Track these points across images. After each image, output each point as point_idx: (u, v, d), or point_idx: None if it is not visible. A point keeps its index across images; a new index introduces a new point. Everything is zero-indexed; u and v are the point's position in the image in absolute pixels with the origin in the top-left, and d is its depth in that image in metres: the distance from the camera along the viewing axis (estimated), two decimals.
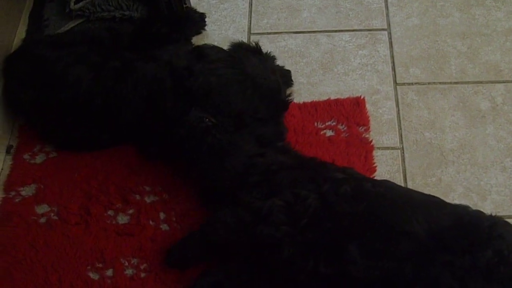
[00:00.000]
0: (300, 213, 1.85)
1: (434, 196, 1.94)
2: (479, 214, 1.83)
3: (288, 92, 2.44)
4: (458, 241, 1.73)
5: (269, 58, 2.40)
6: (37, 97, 2.33)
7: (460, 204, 1.88)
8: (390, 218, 1.80)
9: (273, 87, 2.26)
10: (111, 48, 2.41)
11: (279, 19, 2.79)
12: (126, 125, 2.29)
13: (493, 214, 1.83)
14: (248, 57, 2.28)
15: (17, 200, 2.33)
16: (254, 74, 2.22)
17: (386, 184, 1.97)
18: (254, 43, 2.35)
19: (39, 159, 2.43)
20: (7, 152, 2.45)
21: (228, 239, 1.98)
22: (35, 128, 2.48)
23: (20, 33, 2.70)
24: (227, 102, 2.15)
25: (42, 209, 2.31)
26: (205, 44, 2.42)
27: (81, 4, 2.72)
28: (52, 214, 2.29)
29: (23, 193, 2.35)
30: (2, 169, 2.41)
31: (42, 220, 2.28)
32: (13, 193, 2.35)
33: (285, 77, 2.52)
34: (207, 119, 2.08)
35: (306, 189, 1.90)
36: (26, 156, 2.44)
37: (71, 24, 2.73)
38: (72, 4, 2.72)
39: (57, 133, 2.41)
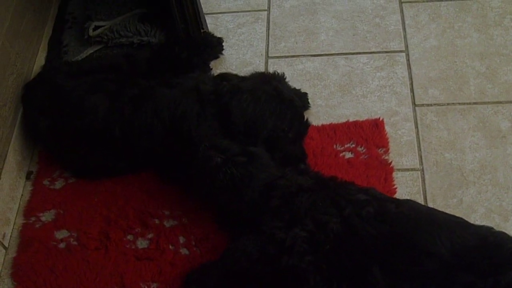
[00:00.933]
0: (323, 241, 1.84)
1: (457, 217, 1.92)
2: (503, 235, 1.82)
3: (305, 115, 2.45)
4: (482, 261, 1.71)
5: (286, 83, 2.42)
6: (54, 125, 2.35)
7: (483, 225, 1.87)
8: (413, 239, 1.79)
9: (300, 108, 2.30)
10: (128, 75, 2.42)
11: (296, 43, 2.79)
12: (144, 152, 2.30)
13: None
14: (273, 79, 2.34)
15: (37, 225, 2.34)
16: (287, 92, 2.28)
17: (409, 204, 1.95)
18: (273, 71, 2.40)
19: (58, 184, 2.44)
20: (27, 178, 2.47)
21: (250, 269, 1.96)
22: (53, 155, 2.49)
23: (40, 59, 2.73)
24: (262, 115, 2.20)
25: (61, 234, 2.31)
26: (228, 72, 2.43)
27: (99, 30, 2.74)
28: (72, 239, 2.29)
29: (43, 218, 2.35)
30: (22, 195, 2.42)
31: (62, 245, 2.28)
32: (33, 218, 2.35)
33: (302, 100, 2.52)
34: (217, 157, 2.08)
35: (327, 213, 1.90)
36: (45, 182, 2.45)
37: (90, 51, 2.75)
38: (90, 30, 2.74)
39: (74, 160, 2.42)
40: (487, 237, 1.78)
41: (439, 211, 1.97)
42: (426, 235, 1.78)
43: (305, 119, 2.36)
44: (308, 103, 2.55)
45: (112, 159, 2.36)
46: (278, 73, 2.42)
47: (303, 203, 1.96)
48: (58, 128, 2.35)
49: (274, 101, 2.23)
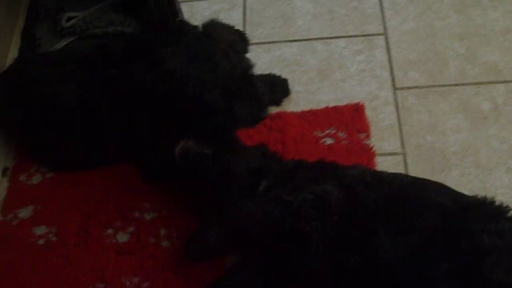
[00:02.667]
0: (331, 208, 1.82)
1: None
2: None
3: (285, 100, 2.45)
4: (484, 210, 1.75)
5: None
6: (27, 118, 2.30)
7: None
8: (412, 194, 1.81)
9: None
10: (101, 66, 2.37)
11: (273, 28, 2.76)
12: (116, 142, 2.26)
13: None
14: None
15: (14, 222, 2.29)
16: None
17: (401, 174, 1.99)
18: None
19: (35, 179, 2.39)
20: (3, 174, 2.41)
21: (251, 230, 1.92)
22: (28, 150, 2.45)
23: (13, 53, 2.67)
24: None
25: (40, 230, 2.26)
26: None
27: (72, 21, 2.69)
28: (51, 235, 2.25)
29: (20, 215, 2.30)
30: None
31: (41, 241, 2.24)
32: (10, 215, 2.31)
33: (282, 86, 2.49)
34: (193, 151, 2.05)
35: (330, 184, 1.88)
36: (22, 178, 2.40)
37: (63, 42, 2.69)
38: (63, 22, 2.69)
39: (50, 154, 2.38)
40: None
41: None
42: (425, 191, 1.81)
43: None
44: (289, 89, 2.51)
45: (89, 150, 2.31)
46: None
47: (304, 176, 1.94)
48: (32, 121, 2.29)
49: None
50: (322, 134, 2.40)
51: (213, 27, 2.29)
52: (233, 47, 2.30)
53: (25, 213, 2.31)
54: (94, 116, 2.22)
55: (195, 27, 2.62)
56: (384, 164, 2.30)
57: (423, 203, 1.78)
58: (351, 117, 2.42)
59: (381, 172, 1.98)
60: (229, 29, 2.40)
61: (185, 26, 2.60)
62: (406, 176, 2.03)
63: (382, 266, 1.74)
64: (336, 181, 1.89)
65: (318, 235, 1.80)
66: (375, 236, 1.75)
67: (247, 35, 2.48)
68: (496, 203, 1.79)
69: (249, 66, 2.21)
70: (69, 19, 2.70)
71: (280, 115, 2.45)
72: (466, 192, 2.14)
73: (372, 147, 2.34)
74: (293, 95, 2.52)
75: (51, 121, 2.26)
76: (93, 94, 2.23)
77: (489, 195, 2.10)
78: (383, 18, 2.74)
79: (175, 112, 2.11)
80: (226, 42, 2.29)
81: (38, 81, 2.31)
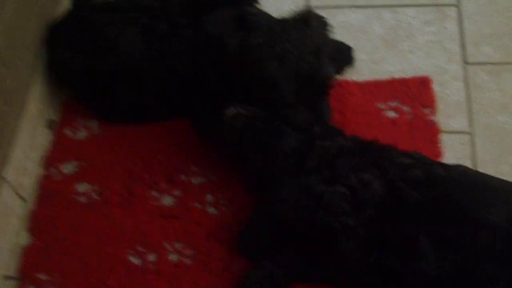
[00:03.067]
0: (366, 202, 1.69)
1: None
2: None
3: (346, 69, 2.33)
4: None
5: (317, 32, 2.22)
6: (87, 64, 2.20)
7: None
8: (466, 205, 1.62)
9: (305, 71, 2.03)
10: (162, 16, 2.26)
11: None
12: (177, 95, 2.17)
13: None
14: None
15: (57, 177, 2.21)
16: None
17: (459, 169, 1.79)
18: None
19: (81, 135, 2.30)
20: (49, 127, 2.33)
21: (285, 218, 1.82)
22: (82, 100, 2.36)
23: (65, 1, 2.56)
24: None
25: (83, 187, 2.19)
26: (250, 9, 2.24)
27: None
28: (94, 194, 2.17)
29: (64, 170, 2.23)
30: (42, 144, 2.28)
31: (83, 199, 2.16)
32: (53, 170, 2.23)
33: (347, 54, 2.36)
34: (244, 113, 1.95)
35: (371, 174, 1.74)
36: (67, 132, 2.31)
37: None
38: None
39: (107, 103, 2.29)
40: None
41: (493, 177, 1.80)
42: (480, 203, 1.62)
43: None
44: (353, 58, 2.38)
45: (147, 100, 2.22)
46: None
47: (344, 164, 1.79)
48: (91, 67, 2.20)
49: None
50: (385, 107, 2.27)
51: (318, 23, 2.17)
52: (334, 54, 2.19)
53: (69, 168, 2.23)
54: (159, 63, 2.14)
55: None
56: (449, 143, 2.17)
57: (479, 219, 1.60)
58: (417, 91, 2.29)
59: (437, 167, 1.79)
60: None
61: None
62: (466, 170, 1.85)
63: (421, 279, 1.61)
64: (379, 172, 1.76)
65: (349, 232, 1.69)
66: (416, 244, 1.62)
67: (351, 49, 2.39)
68: None
69: (329, 77, 2.08)
70: None
71: (340, 84, 2.31)
72: None
73: (437, 124, 2.21)
74: (355, 64, 2.39)
75: (112, 67, 2.17)
76: (160, 40, 2.15)
77: None
78: None
79: (244, 80, 2.02)
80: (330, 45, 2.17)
81: (99, 25, 2.21)
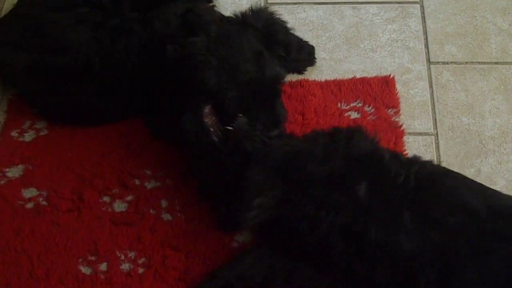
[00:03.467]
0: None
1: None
2: None
3: (308, 69, 2.25)
4: None
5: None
6: (33, 63, 2.09)
7: None
8: (444, 185, 1.65)
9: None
10: (113, 10, 2.16)
11: None
12: (129, 94, 2.07)
13: None
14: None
15: (2, 182, 2.09)
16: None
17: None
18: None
19: (28, 136, 2.18)
20: None
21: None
22: (28, 100, 2.24)
23: None
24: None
25: (29, 193, 2.07)
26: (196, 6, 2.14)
27: None
28: (41, 199, 2.06)
29: (9, 174, 2.11)
30: None
31: (30, 205, 2.05)
32: None
33: (309, 53, 2.29)
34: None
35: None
36: (13, 133, 2.19)
37: None
38: None
39: (54, 103, 2.17)
40: None
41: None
42: (457, 187, 1.66)
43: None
44: (315, 58, 2.31)
45: (97, 100, 2.10)
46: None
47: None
48: (37, 66, 2.09)
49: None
50: (347, 107, 2.20)
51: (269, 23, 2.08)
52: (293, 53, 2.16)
53: (14, 172, 2.11)
54: (109, 61, 2.03)
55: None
56: (414, 145, 2.12)
57: (455, 199, 1.62)
58: (380, 91, 2.22)
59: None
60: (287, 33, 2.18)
61: None
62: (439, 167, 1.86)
63: (400, 255, 1.59)
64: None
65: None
66: (400, 218, 1.60)
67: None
68: None
69: (277, 79, 1.99)
70: None
71: (301, 83, 2.25)
72: (503, 182, 2.00)
73: (401, 125, 2.15)
74: (316, 63, 2.31)
75: (60, 65, 2.05)
76: (110, 36, 2.04)
77: None
78: None
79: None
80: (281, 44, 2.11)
81: (45, 23, 2.10)
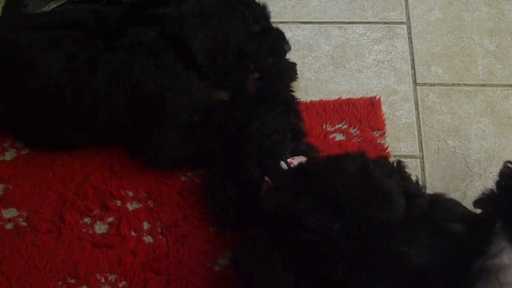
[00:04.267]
0: None
1: None
2: None
3: (293, 87, 2.21)
4: None
5: None
6: (5, 86, 2.07)
7: None
8: None
9: None
10: (94, 34, 2.13)
11: (285, 7, 2.52)
12: (104, 124, 2.01)
13: None
14: None
15: None
16: None
17: None
18: None
19: (8, 155, 2.15)
20: None
21: None
22: (2, 120, 2.19)
23: None
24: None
25: (9, 213, 2.04)
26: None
27: None
28: (21, 220, 2.02)
29: None
30: None
31: (9, 226, 2.01)
32: None
33: (290, 70, 2.26)
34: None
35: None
36: None
37: (53, 5, 2.45)
38: None
39: (26, 128, 2.14)
40: None
41: None
42: None
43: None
44: (296, 74, 2.28)
45: (68, 129, 2.07)
46: None
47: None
48: (9, 89, 2.06)
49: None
50: (332, 129, 2.18)
51: None
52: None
53: None
54: (83, 93, 1.98)
55: None
56: None
57: None
58: (366, 112, 2.20)
59: None
60: None
61: None
62: None
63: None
64: None
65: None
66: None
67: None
68: None
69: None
70: None
71: None
72: None
73: (386, 148, 2.13)
74: (301, 83, 2.29)
75: (31, 91, 2.00)
76: (83, 68, 1.98)
77: None
78: (407, 5, 2.51)
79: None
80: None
81: (20, 43, 2.04)
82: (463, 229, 1.62)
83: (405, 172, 1.85)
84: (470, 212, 1.72)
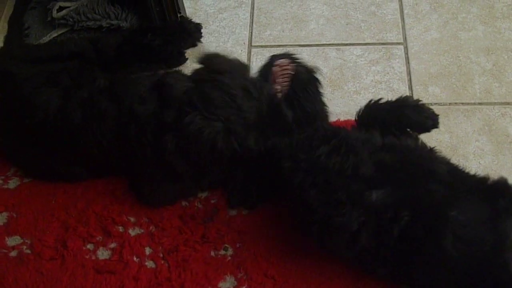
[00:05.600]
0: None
1: None
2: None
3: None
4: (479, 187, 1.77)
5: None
6: (4, 119, 2.10)
7: None
8: (414, 161, 1.82)
9: None
10: (93, 64, 2.16)
11: (283, 31, 2.54)
12: (100, 159, 2.05)
13: None
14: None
15: None
16: None
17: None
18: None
19: (12, 184, 2.18)
20: None
21: None
22: (3, 152, 2.23)
23: None
24: None
25: (13, 241, 2.06)
26: (170, 74, 2.11)
27: (64, 12, 2.48)
28: (25, 247, 2.04)
29: None
30: None
31: (13, 253, 2.04)
32: None
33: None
34: None
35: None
36: None
37: (54, 34, 2.49)
38: (54, 12, 2.48)
39: (26, 160, 2.17)
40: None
41: None
42: (423, 158, 1.83)
43: None
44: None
45: (67, 163, 2.10)
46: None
47: None
48: (8, 122, 2.09)
49: None
50: None
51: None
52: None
53: None
54: (79, 137, 2.01)
55: (198, 25, 2.44)
56: None
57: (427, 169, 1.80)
58: None
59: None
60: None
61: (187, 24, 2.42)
62: None
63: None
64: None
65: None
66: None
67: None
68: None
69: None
70: (60, 9, 2.49)
71: None
72: None
73: None
74: None
75: (28, 125, 2.04)
76: (79, 112, 2.00)
77: None
78: (403, 26, 2.53)
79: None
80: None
81: (19, 78, 2.08)
82: None
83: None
84: None
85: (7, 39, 2.52)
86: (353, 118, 2.22)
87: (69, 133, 2.00)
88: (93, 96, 2.01)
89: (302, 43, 2.51)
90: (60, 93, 2.02)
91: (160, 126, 1.90)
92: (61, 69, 2.08)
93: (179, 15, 2.45)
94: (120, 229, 2.06)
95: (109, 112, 1.97)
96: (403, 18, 2.55)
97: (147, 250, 2.01)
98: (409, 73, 2.38)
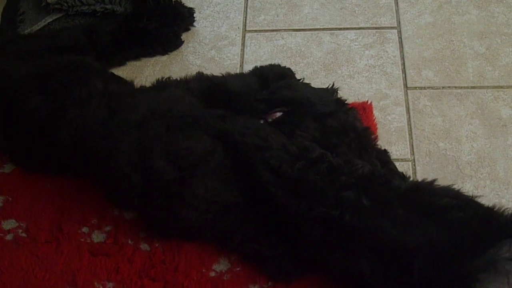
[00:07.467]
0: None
1: None
2: None
3: None
4: None
5: None
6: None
7: None
8: None
9: None
10: (90, 51, 2.17)
11: (277, 15, 2.55)
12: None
13: None
14: None
15: None
16: None
17: None
18: None
19: (7, 168, 2.19)
20: None
21: None
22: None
23: None
24: None
25: (9, 224, 2.07)
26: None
27: None
28: (20, 231, 2.05)
29: None
30: None
31: (9, 237, 2.04)
32: None
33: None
34: None
35: None
36: None
37: (48, 19, 2.49)
38: None
39: (19, 153, 2.19)
40: None
41: None
42: None
43: None
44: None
45: (61, 161, 2.10)
46: None
47: None
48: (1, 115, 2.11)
49: None
50: None
51: None
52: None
53: None
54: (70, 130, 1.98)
55: (190, 9, 2.45)
56: None
57: None
58: None
59: None
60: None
61: (180, 8, 2.43)
62: None
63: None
64: None
65: None
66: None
67: None
68: None
69: None
70: None
71: None
72: None
73: None
74: None
75: (21, 126, 2.07)
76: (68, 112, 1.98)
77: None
78: (397, 10, 2.54)
79: None
80: None
81: (11, 77, 2.08)
82: (463, 216, 1.63)
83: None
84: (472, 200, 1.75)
85: (1, 26, 2.52)
86: (348, 102, 2.25)
87: (66, 135, 1.97)
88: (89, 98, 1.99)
89: (296, 28, 2.51)
90: (50, 97, 2.01)
91: None
92: (53, 69, 2.08)
93: None
94: (115, 212, 2.07)
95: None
96: (397, 2, 2.56)
97: (142, 233, 2.02)
98: (402, 57, 2.39)
